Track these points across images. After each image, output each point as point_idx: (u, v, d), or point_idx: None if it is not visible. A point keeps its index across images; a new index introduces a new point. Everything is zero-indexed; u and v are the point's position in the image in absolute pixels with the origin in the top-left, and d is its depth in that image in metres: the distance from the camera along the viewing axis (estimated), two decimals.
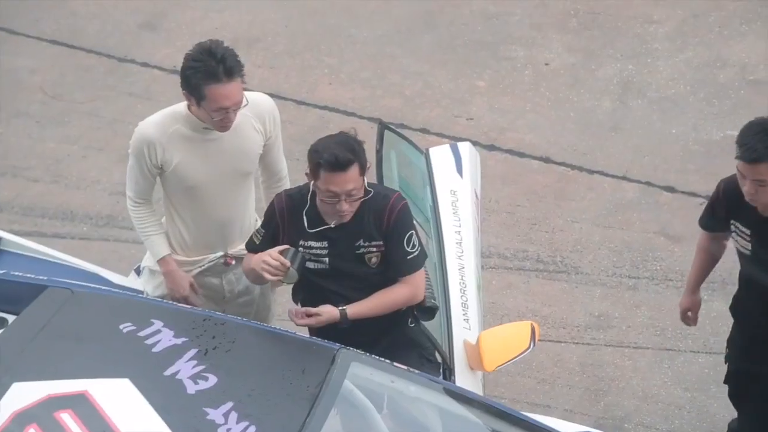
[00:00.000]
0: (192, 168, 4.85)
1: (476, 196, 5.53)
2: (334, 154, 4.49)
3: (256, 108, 4.90)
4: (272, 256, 4.62)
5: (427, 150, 5.64)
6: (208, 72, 4.62)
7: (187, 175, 4.87)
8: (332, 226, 4.67)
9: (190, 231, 5.02)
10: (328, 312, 4.69)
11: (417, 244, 4.75)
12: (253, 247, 4.81)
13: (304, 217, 4.68)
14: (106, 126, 7.73)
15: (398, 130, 7.61)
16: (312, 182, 4.63)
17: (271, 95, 5.19)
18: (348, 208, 4.59)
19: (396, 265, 4.74)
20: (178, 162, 4.84)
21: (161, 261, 5.03)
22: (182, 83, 4.71)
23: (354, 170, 4.53)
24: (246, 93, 4.78)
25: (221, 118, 4.70)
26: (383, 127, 5.50)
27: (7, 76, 8.10)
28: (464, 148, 5.70)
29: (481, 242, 5.54)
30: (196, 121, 4.79)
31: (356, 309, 4.69)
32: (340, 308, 4.68)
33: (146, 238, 5.05)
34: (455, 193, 5.41)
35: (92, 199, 7.22)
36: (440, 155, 5.59)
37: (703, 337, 6.51)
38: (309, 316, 4.71)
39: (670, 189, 7.46)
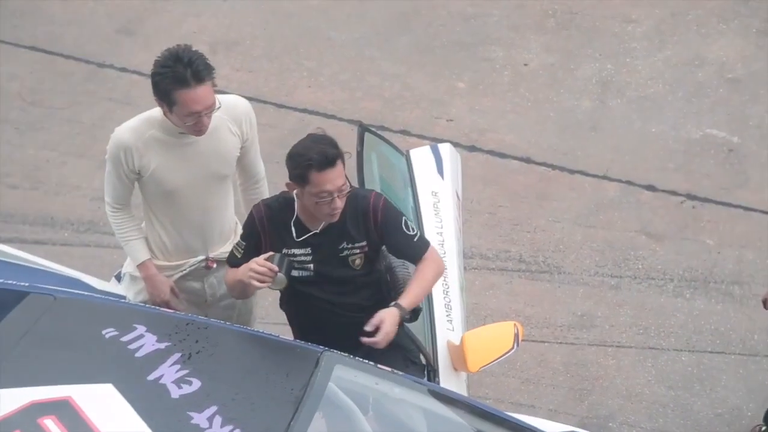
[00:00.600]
0: (169, 172, 4.84)
1: (458, 197, 5.53)
2: (322, 152, 4.47)
3: (231, 111, 4.88)
4: (258, 263, 4.59)
5: (408, 152, 5.64)
6: (176, 77, 4.60)
7: (165, 180, 4.85)
8: (317, 231, 4.65)
9: (170, 235, 5.00)
10: (390, 314, 4.57)
11: (414, 226, 4.77)
12: (235, 261, 4.77)
13: (293, 228, 4.67)
14: (85, 132, 7.70)
15: (379, 132, 7.62)
16: (295, 191, 4.60)
17: (250, 99, 5.18)
18: (340, 204, 4.59)
19: (408, 251, 4.74)
20: (155, 167, 4.82)
21: (141, 266, 5.01)
22: (153, 90, 4.70)
23: (340, 165, 4.52)
24: (220, 96, 4.77)
25: (194, 122, 4.68)
26: (363, 129, 5.49)
27: None
28: (445, 149, 5.70)
29: (463, 243, 5.54)
30: (172, 126, 4.77)
31: (408, 300, 4.64)
32: (395, 306, 4.59)
33: (126, 243, 5.04)
34: (436, 194, 5.41)
35: (73, 205, 7.20)
36: (421, 157, 5.59)
37: (686, 336, 6.53)
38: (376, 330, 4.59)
39: (651, 188, 7.48)
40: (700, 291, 6.75)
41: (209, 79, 4.64)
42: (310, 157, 4.48)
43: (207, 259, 5.06)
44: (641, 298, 6.76)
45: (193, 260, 5.06)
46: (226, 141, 4.89)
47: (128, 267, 5.15)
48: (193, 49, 4.68)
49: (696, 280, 6.75)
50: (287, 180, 4.59)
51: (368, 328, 4.55)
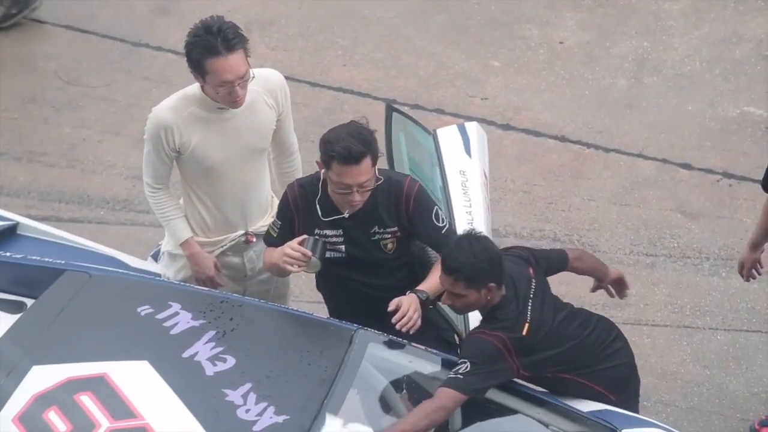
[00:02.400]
0: (209, 148, 4.85)
1: (485, 176, 5.51)
2: (347, 147, 4.45)
3: (266, 83, 4.89)
4: (292, 247, 4.59)
5: (435, 131, 5.62)
6: (206, 46, 4.61)
7: (205, 156, 4.87)
8: (346, 216, 4.65)
9: (209, 212, 5.02)
10: (407, 299, 4.55)
11: (444, 217, 4.75)
12: (271, 241, 4.79)
13: (317, 206, 4.67)
14: (121, 110, 7.73)
15: (413, 110, 7.64)
16: (323, 171, 4.61)
17: (285, 78, 5.17)
18: (360, 199, 4.57)
19: (434, 242, 4.73)
20: (195, 144, 4.84)
21: (184, 244, 5.02)
22: (187, 61, 4.71)
23: (366, 163, 4.50)
24: (254, 70, 4.77)
25: (228, 93, 4.69)
26: (391, 109, 5.48)
27: (21, 62, 8.11)
28: (472, 128, 5.68)
29: (491, 222, 5.51)
30: (210, 102, 4.78)
31: (427, 286, 4.63)
32: (416, 292, 4.59)
33: (167, 222, 5.05)
34: (464, 173, 5.39)
35: (108, 183, 7.23)
36: (448, 136, 5.57)
37: (721, 314, 6.50)
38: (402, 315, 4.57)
39: (687, 166, 7.44)
40: (736, 269, 6.70)
41: (240, 48, 4.64)
42: (335, 149, 4.47)
43: (246, 234, 5.07)
44: (677, 276, 6.73)
45: (233, 235, 5.07)
46: (262, 114, 4.90)
47: (167, 245, 5.17)
48: (224, 18, 4.69)
49: (732, 258, 6.70)
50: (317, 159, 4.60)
51: (390, 308, 4.53)
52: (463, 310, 4.64)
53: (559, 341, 4.54)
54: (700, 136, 7.65)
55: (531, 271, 4.63)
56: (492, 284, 4.44)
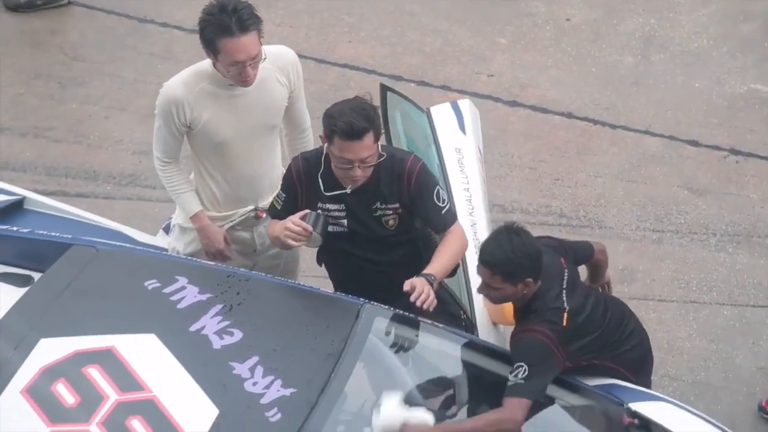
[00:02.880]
0: (220, 124, 4.85)
1: (480, 152, 5.51)
2: (349, 122, 4.44)
3: (278, 60, 4.88)
4: (294, 222, 4.59)
5: (428, 109, 5.60)
6: (221, 26, 4.60)
7: (217, 132, 4.86)
8: (348, 191, 4.65)
9: (220, 187, 5.02)
10: (422, 285, 4.48)
11: (446, 197, 4.73)
12: (274, 213, 4.79)
13: (320, 180, 4.66)
14: (127, 86, 7.73)
15: (419, 87, 7.63)
16: (326, 145, 4.60)
17: None
18: (362, 174, 4.56)
19: (435, 221, 4.72)
20: (206, 119, 4.84)
21: (194, 217, 5.02)
22: (200, 37, 4.70)
23: (369, 138, 4.49)
24: (266, 47, 4.77)
25: (239, 72, 4.68)
26: (385, 88, 5.48)
27: (27, 38, 8.10)
28: (465, 105, 5.67)
29: (488, 198, 5.50)
30: (222, 78, 4.78)
31: (438, 270, 4.59)
32: (425, 275, 4.54)
33: (177, 196, 5.05)
34: (460, 150, 5.38)
35: (115, 158, 7.23)
36: (442, 114, 5.55)
37: (728, 290, 6.50)
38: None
39: (694, 143, 7.43)
40: (742, 245, 6.72)
41: (254, 29, 4.63)
42: (337, 124, 4.45)
43: (256, 209, 5.07)
44: (683, 252, 6.73)
45: (242, 210, 5.07)
46: (274, 91, 4.90)
47: (178, 218, 5.17)
48: None
49: (739, 234, 6.71)
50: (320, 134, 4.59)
51: (405, 289, 4.47)
52: (499, 301, 4.63)
53: (592, 328, 4.54)
54: (707, 113, 7.63)
55: (562, 260, 4.63)
56: (529, 279, 4.44)
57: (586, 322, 4.53)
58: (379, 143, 4.56)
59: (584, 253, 4.89)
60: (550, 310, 4.45)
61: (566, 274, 4.59)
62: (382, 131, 4.68)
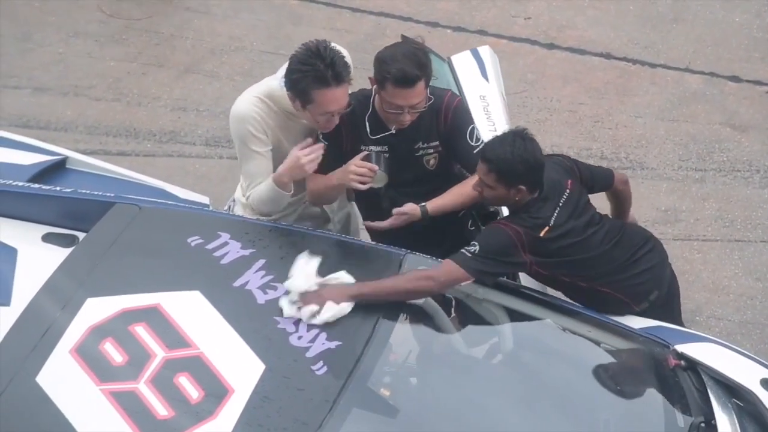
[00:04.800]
0: (290, 147, 4.66)
1: (503, 98, 5.49)
2: (402, 70, 4.41)
3: None
4: (357, 164, 4.53)
5: (449, 58, 5.57)
6: (317, 77, 4.43)
7: (285, 154, 4.67)
8: (393, 132, 4.64)
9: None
10: (412, 209, 4.62)
11: (480, 137, 4.72)
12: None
13: (366, 123, 4.65)
14: (164, 42, 7.74)
15: (455, 33, 7.58)
16: (374, 87, 4.58)
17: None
18: (410, 119, 4.55)
19: (464, 159, 4.71)
20: (278, 141, 4.70)
21: (276, 181, 4.68)
22: (287, 85, 4.52)
23: (420, 86, 4.47)
24: None
25: (326, 121, 4.58)
26: (404, 39, 5.43)
27: None
28: (485, 51, 5.64)
29: None
30: (289, 104, 4.61)
31: (436, 204, 4.64)
32: (420, 205, 4.63)
33: (259, 193, 4.78)
34: (485, 98, 5.37)
35: (154, 115, 7.26)
36: (463, 62, 5.53)
37: None
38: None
39: (735, 78, 7.36)
40: None
41: (348, 80, 4.51)
42: (390, 71, 4.43)
43: None
44: (727, 190, 6.69)
45: None
46: None
47: (237, 193, 5.11)
48: (332, 46, 4.49)
49: None
50: (370, 75, 4.56)
51: (395, 212, 4.60)
52: (490, 202, 4.63)
53: (582, 250, 4.52)
54: (748, 47, 7.55)
55: (569, 182, 4.59)
56: (522, 187, 4.41)
57: (577, 245, 4.50)
58: (428, 88, 4.55)
59: (603, 180, 4.85)
60: (532, 218, 4.43)
61: (566, 194, 4.55)
62: (435, 77, 4.65)
